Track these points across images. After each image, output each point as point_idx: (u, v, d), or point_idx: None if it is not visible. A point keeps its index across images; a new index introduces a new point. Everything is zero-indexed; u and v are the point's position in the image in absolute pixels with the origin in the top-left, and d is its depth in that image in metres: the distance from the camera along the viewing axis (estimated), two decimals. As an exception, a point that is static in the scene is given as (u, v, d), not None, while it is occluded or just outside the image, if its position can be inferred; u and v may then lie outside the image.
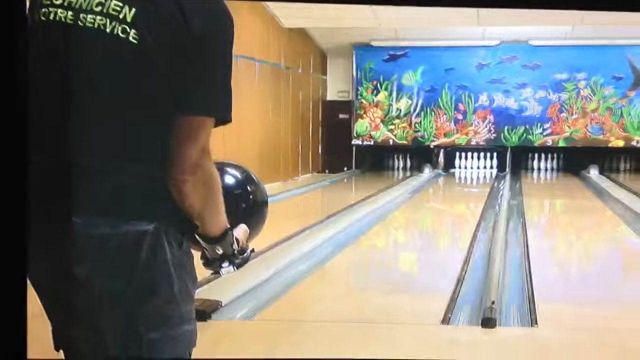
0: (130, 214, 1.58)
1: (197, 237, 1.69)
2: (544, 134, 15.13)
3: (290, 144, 13.55)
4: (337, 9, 11.94)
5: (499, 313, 4.44)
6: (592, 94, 14.96)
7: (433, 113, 15.31)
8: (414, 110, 15.34)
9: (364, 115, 15.41)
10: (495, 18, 12.66)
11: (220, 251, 1.72)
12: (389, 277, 5.92)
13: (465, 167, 15.85)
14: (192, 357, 1.72)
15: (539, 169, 15.73)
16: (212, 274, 1.82)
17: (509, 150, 15.39)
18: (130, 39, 1.55)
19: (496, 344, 4.03)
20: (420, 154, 15.65)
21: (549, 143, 15.18)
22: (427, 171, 15.13)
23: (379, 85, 15.33)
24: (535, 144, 15.23)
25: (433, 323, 4.37)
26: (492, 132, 15.27)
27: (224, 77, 1.64)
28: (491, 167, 15.70)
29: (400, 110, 15.36)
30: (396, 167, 15.86)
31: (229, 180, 1.84)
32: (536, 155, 15.71)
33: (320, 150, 15.31)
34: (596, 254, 7.35)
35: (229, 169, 1.87)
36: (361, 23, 13.25)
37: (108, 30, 1.56)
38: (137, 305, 1.60)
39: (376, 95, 15.36)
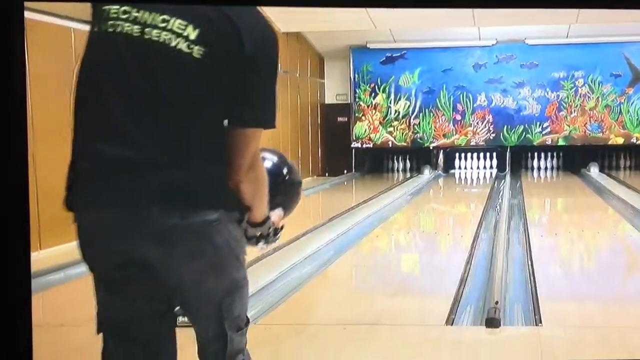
0: (198, 205, 1.86)
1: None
2: (543, 132, 15.12)
3: (290, 147, 13.54)
4: (333, 12, 11.94)
5: (502, 313, 4.44)
6: (590, 92, 14.96)
7: (432, 114, 15.30)
8: (413, 112, 15.32)
9: (363, 118, 15.40)
10: (491, 18, 12.66)
11: (259, 233, 2.08)
12: (391, 279, 5.91)
13: (465, 168, 15.83)
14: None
15: (538, 168, 15.71)
16: (248, 244, 2.11)
17: (509, 149, 15.38)
18: (194, 54, 1.80)
19: (500, 343, 4.02)
20: (419, 156, 15.64)
21: (549, 142, 15.17)
22: (427, 172, 15.11)
23: (376, 87, 15.32)
24: (535, 143, 15.21)
25: (437, 324, 4.36)
26: (491, 132, 15.26)
27: (272, 91, 1.92)
28: (491, 167, 15.68)
29: (399, 112, 15.35)
30: (396, 169, 15.84)
31: (268, 164, 2.12)
32: (536, 155, 15.68)
33: (319, 154, 15.30)
34: (598, 252, 7.34)
35: (267, 154, 2.17)
36: (357, 25, 13.24)
37: (173, 44, 1.80)
38: (213, 279, 1.93)
39: (374, 97, 15.36)
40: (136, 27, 1.81)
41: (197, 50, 1.79)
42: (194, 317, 2.05)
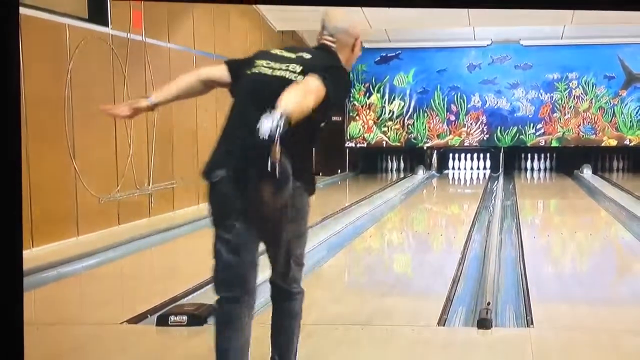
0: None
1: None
2: (537, 134, 15.16)
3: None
4: (328, 11, 11.91)
5: (494, 314, 4.45)
6: (584, 94, 15.00)
7: (426, 114, 15.32)
8: (407, 112, 15.34)
9: (357, 118, 15.42)
10: (486, 18, 12.68)
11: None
12: (384, 279, 5.92)
13: (459, 168, 15.86)
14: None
15: (532, 169, 15.74)
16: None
17: (502, 150, 15.41)
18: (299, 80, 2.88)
19: (492, 344, 4.03)
20: (413, 156, 15.65)
21: (542, 143, 15.21)
22: (421, 173, 15.13)
23: (371, 87, 15.34)
24: (528, 144, 15.25)
25: (429, 324, 4.37)
26: (484, 132, 15.29)
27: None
28: (484, 168, 15.71)
29: (393, 112, 15.37)
30: (390, 169, 15.85)
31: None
32: (529, 156, 15.72)
33: (313, 153, 15.28)
34: (590, 254, 7.36)
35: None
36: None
37: (287, 77, 2.88)
38: (289, 224, 2.91)
39: (368, 97, 15.37)
40: (269, 70, 2.94)
41: (300, 79, 2.86)
42: (273, 248, 2.99)
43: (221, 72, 3.06)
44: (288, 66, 2.93)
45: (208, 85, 3.08)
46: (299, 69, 2.90)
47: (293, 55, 2.99)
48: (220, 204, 2.91)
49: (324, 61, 2.99)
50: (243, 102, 2.96)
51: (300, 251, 3.04)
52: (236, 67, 3.06)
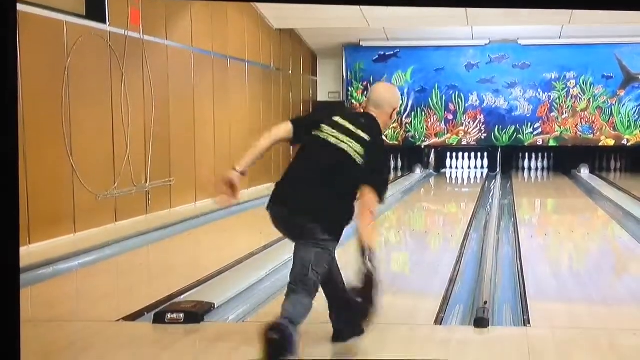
0: (321, 221, 3.69)
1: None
2: (535, 133, 15.17)
3: (281, 145, 13.51)
4: (326, 9, 11.94)
5: (491, 313, 4.45)
6: (582, 93, 15.00)
7: (423, 113, 15.32)
8: (405, 111, 15.34)
9: (355, 116, 15.38)
10: (484, 18, 12.68)
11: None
12: (381, 278, 5.90)
13: (456, 167, 15.87)
14: None
15: (529, 168, 15.76)
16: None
17: (500, 150, 15.42)
18: (357, 161, 3.70)
19: (489, 343, 4.03)
20: (411, 155, 15.66)
21: (540, 142, 15.21)
22: (419, 171, 15.14)
23: (369, 85, 15.31)
24: (526, 144, 15.26)
25: (426, 323, 4.37)
26: (482, 132, 15.29)
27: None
28: (482, 167, 15.72)
29: (391, 111, 15.35)
30: (387, 167, 15.85)
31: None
32: (527, 155, 15.74)
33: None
34: (588, 253, 7.37)
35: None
36: (350, 23, 13.25)
37: (350, 153, 3.71)
38: (310, 251, 3.67)
39: (366, 95, 15.33)
40: (334, 139, 3.73)
41: (359, 160, 3.70)
42: (300, 263, 3.70)
43: (287, 132, 3.87)
44: (351, 142, 3.71)
45: (276, 143, 3.91)
46: (358, 148, 3.70)
47: (353, 128, 3.76)
48: (281, 229, 3.77)
49: (373, 138, 3.76)
50: (312, 158, 3.78)
51: (319, 267, 3.69)
52: (300, 127, 3.87)
